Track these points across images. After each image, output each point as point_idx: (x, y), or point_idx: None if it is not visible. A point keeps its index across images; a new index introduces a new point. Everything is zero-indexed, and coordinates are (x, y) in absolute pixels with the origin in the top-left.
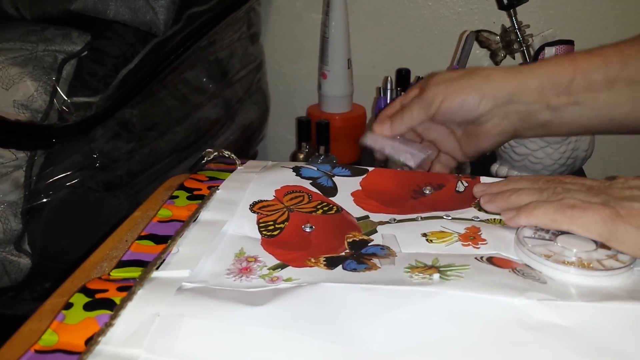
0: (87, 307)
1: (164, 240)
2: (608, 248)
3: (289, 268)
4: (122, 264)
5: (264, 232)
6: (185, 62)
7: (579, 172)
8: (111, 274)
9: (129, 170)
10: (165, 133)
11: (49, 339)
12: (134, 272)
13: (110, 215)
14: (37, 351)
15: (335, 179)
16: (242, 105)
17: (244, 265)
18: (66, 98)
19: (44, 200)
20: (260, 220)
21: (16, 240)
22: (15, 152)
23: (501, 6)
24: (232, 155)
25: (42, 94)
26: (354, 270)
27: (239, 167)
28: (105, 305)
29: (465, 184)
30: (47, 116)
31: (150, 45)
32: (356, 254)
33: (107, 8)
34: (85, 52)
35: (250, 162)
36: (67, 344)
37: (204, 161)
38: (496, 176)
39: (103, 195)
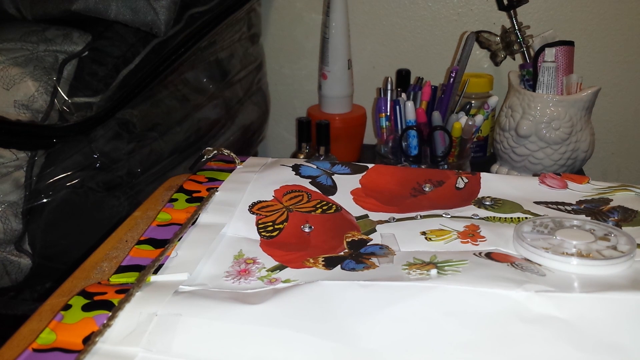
0: (86, 308)
1: (163, 245)
2: (607, 240)
3: (288, 269)
4: (121, 269)
5: (263, 233)
6: (186, 62)
7: (579, 173)
8: (110, 279)
9: (129, 170)
10: (166, 133)
11: (46, 337)
12: (133, 278)
13: (110, 215)
14: (35, 350)
15: (335, 177)
16: (243, 105)
17: (243, 268)
18: (67, 98)
19: (45, 200)
20: (260, 221)
21: (17, 241)
22: (16, 152)
23: (501, 7)
24: (232, 153)
25: (42, 94)
26: (353, 269)
27: (238, 166)
28: (103, 306)
29: (466, 180)
30: (47, 116)
31: (151, 45)
32: (355, 253)
33: (108, 8)
34: (86, 53)
35: (249, 160)
36: (65, 342)
37: (203, 159)
38: None
39: (103, 196)
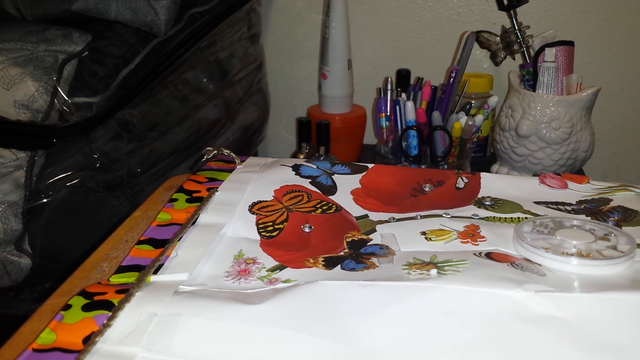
0: (86, 308)
1: (163, 245)
2: (607, 240)
3: (288, 269)
4: (121, 269)
5: (263, 233)
6: (186, 62)
7: (579, 173)
8: (110, 279)
9: (129, 170)
10: (166, 133)
11: (46, 337)
12: (133, 278)
13: (110, 215)
14: (35, 350)
15: (335, 177)
16: (243, 105)
17: (243, 268)
18: (67, 98)
19: (45, 200)
20: (260, 221)
21: (17, 241)
22: (16, 152)
23: (501, 7)
24: (232, 153)
25: (42, 94)
26: (353, 269)
27: (238, 166)
28: (103, 306)
29: (466, 180)
30: (47, 116)
31: (151, 45)
32: (355, 253)
33: (108, 8)
34: (86, 53)
35: (249, 160)
36: (65, 342)
37: (203, 159)
38: None
39: (103, 196)
